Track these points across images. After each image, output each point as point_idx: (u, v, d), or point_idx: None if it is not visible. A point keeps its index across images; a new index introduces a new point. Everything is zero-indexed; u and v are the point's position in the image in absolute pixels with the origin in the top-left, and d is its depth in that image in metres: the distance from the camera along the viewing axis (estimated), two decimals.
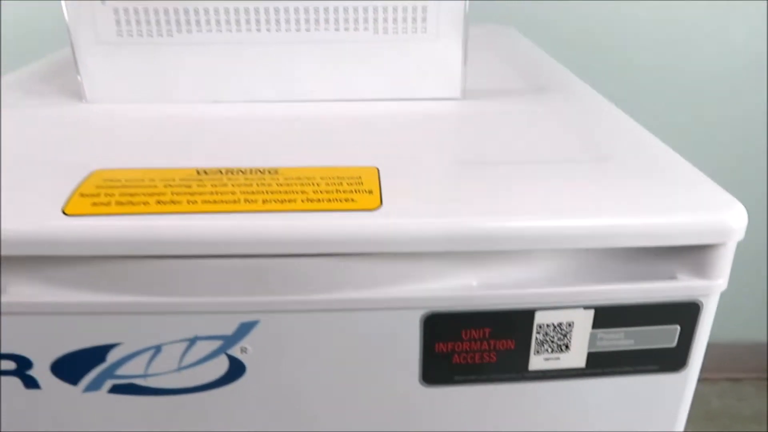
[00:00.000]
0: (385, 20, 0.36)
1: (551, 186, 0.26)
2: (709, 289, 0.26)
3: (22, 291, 0.24)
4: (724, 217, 0.25)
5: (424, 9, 0.36)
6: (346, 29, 0.36)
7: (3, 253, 0.23)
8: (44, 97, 0.38)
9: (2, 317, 0.24)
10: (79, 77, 0.36)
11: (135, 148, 0.30)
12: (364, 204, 0.24)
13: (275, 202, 0.24)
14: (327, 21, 0.36)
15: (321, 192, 0.25)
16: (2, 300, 0.24)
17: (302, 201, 0.24)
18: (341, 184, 0.26)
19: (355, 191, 0.25)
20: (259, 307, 0.25)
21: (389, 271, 0.25)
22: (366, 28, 0.36)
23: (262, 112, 0.36)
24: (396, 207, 0.24)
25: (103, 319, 0.25)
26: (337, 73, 0.37)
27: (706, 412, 0.97)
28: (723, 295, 0.27)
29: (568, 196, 0.26)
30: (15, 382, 0.25)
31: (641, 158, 0.29)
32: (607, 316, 0.26)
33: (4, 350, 0.25)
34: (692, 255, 0.26)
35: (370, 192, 0.25)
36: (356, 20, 0.36)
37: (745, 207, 0.25)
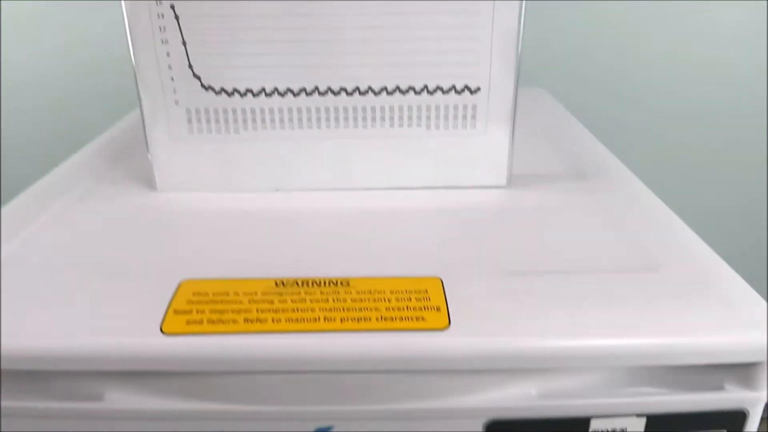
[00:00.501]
0: (437, 117, 0.38)
1: (603, 301, 0.28)
2: (756, 399, 0.28)
3: (119, 399, 0.27)
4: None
5: (474, 107, 0.38)
6: (400, 126, 0.38)
7: (105, 368, 0.25)
8: (117, 185, 0.41)
9: (101, 422, 0.27)
10: (152, 169, 0.39)
11: (211, 246, 0.33)
12: (434, 323, 0.26)
13: (352, 320, 0.26)
14: (383, 119, 0.38)
15: (393, 309, 0.27)
16: (101, 406, 0.26)
17: (377, 320, 0.26)
18: (410, 299, 0.28)
19: (424, 308, 0.27)
20: (333, 415, 0.27)
21: (455, 384, 0.27)
22: (419, 125, 0.39)
23: (321, 203, 0.38)
24: (462, 326, 0.26)
25: (192, 424, 0.27)
26: (391, 164, 0.39)
27: None
28: None
29: (619, 312, 0.27)
30: None
31: (689, 267, 0.31)
32: (658, 423, 0.28)
33: None
34: (740, 368, 0.28)
35: (438, 309, 0.27)
36: (410, 117, 0.38)
37: None
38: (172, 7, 0.35)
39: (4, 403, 0.26)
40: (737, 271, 0.31)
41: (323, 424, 0.27)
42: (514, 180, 0.41)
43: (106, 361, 0.25)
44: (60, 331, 0.26)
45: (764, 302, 0.29)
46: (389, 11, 0.35)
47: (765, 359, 0.27)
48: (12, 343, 0.25)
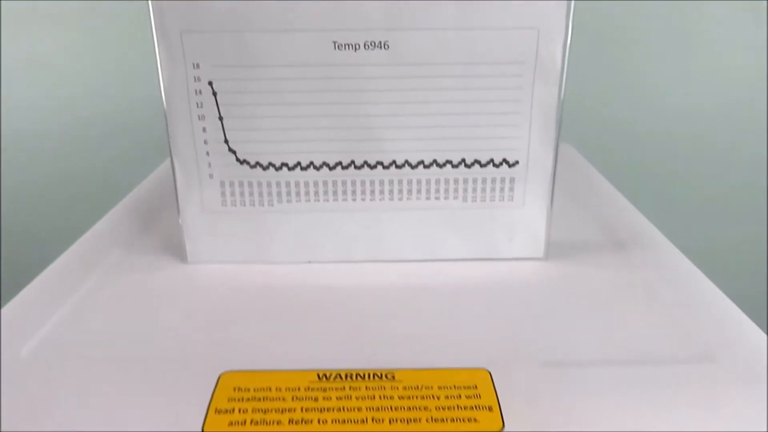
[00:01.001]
0: (474, 190, 0.38)
1: (654, 398, 0.27)
2: None
3: None
4: None
5: (512, 180, 0.38)
6: (437, 198, 0.38)
7: None
8: (147, 256, 0.40)
9: None
10: (183, 241, 0.38)
11: (248, 330, 0.32)
12: (488, 425, 0.25)
13: (401, 422, 0.25)
14: (419, 191, 0.38)
15: (443, 408, 0.26)
16: None
17: (427, 421, 0.25)
18: (460, 397, 0.26)
19: (475, 407, 0.26)
20: None
21: None
22: (455, 197, 0.38)
23: (356, 278, 0.37)
24: (516, 428, 0.25)
25: None
26: (426, 236, 0.39)
27: None
28: None
29: (672, 412, 0.26)
30: None
31: (741, 354, 0.30)
32: None
33: None
34: None
35: (490, 409, 0.26)
36: (446, 190, 0.38)
37: None
38: (210, 83, 0.35)
39: None
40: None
41: None
42: (553, 250, 0.40)
43: None
44: (102, 425, 0.25)
45: None
46: (428, 87, 0.35)
47: None
48: None
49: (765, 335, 0.32)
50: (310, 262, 0.39)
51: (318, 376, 0.28)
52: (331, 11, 0.33)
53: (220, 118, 0.35)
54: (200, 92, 0.35)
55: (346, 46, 0.34)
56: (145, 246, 0.41)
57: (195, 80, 0.35)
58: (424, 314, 0.34)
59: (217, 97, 0.35)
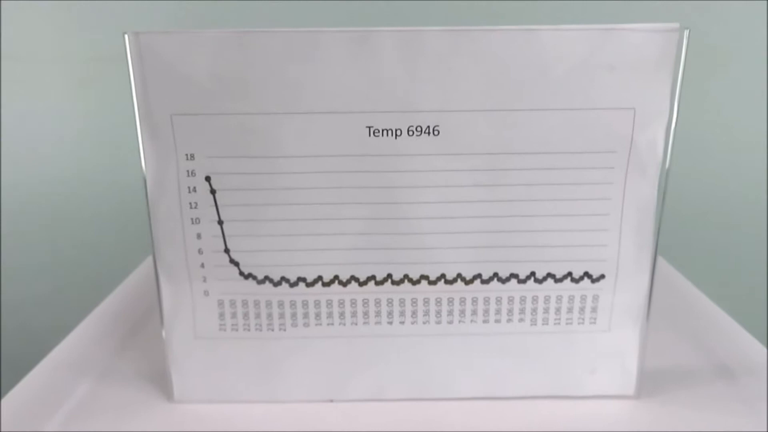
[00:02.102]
0: (546, 311, 0.29)
1: None
2: None
3: None
4: None
5: (595, 298, 0.29)
6: (497, 321, 0.29)
7: None
8: (124, 390, 0.31)
9: None
10: (170, 375, 0.30)
11: None
12: None
13: None
14: (474, 312, 0.29)
15: None
16: None
17: None
18: None
19: None
20: None
21: None
22: (522, 320, 0.29)
23: (389, 423, 0.28)
24: None
25: None
26: (484, 369, 0.30)
27: None
28: None
29: None
30: None
31: None
32: None
33: None
34: None
35: None
36: (510, 311, 0.29)
37: None
38: (208, 179, 0.27)
39: None
40: None
41: None
42: (646, 382, 0.31)
43: None
44: None
45: None
46: (488, 182, 0.27)
47: None
48: None
49: None
50: (332, 401, 0.30)
51: None
52: (366, 88, 0.26)
53: (220, 222, 0.27)
54: (195, 189, 0.27)
55: (384, 132, 0.26)
56: (123, 375, 0.33)
57: (188, 174, 0.27)
58: None
59: (216, 195, 0.27)
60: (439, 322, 0.29)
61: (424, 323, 0.29)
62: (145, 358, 0.34)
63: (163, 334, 0.29)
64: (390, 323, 0.29)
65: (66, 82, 0.64)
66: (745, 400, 0.30)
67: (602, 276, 0.29)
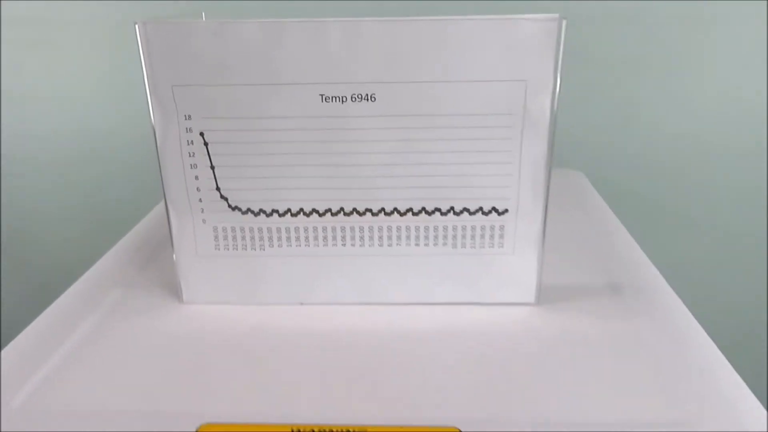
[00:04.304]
0: (464, 237, 0.38)
1: None
2: None
3: None
4: None
5: (502, 228, 0.38)
6: (426, 245, 0.38)
7: None
8: (145, 296, 0.41)
9: None
10: (179, 283, 0.39)
11: (233, 377, 0.33)
12: None
13: None
14: (408, 237, 0.38)
15: None
16: None
17: None
18: None
19: None
20: None
21: None
22: (444, 244, 0.38)
23: (343, 321, 0.38)
24: None
25: None
26: (414, 281, 0.39)
27: None
28: None
29: None
30: None
31: (732, 423, 0.29)
32: None
33: None
34: None
35: None
36: (435, 237, 0.38)
37: None
38: (202, 134, 0.35)
39: None
40: None
41: None
42: (545, 293, 0.40)
43: None
44: None
45: None
46: (415, 137, 0.35)
47: None
48: None
49: (754, 398, 0.31)
50: (302, 303, 0.40)
51: (292, 429, 0.28)
52: (320, 65, 0.34)
53: (212, 167, 0.36)
54: (192, 143, 0.36)
55: (333, 99, 0.35)
56: (144, 285, 0.42)
57: (187, 131, 0.36)
58: (406, 364, 0.34)
59: (209, 147, 0.36)
60: (381, 245, 0.38)
61: (369, 246, 0.38)
62: (162, 274, 0.44)
63: (173, 254, 0.39)
64: (344, 245, 0.38)
65: (94, 46, 0.73)
66: (628, 309, 0.39)
67: (506, 210, 0.37)
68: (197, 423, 0.29)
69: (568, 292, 0.41)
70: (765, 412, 0.30)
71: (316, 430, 0.29)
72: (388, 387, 0.32)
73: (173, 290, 0.41)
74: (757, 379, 0.86)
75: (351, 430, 0.29)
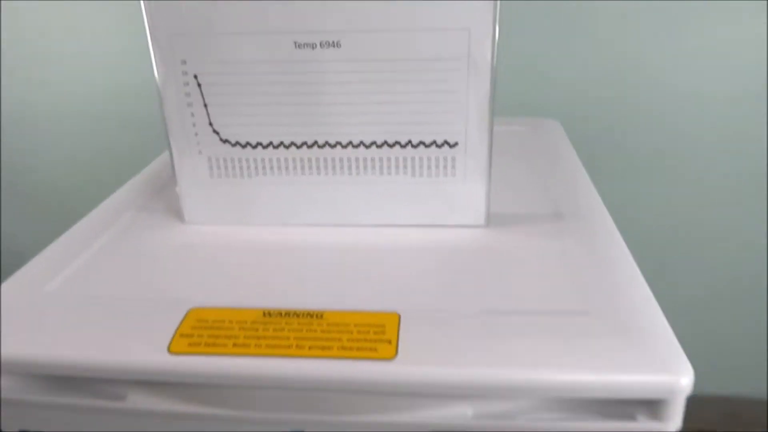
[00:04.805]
0: (420, 167, 0.44)
1: (536, 341, 0.33)
2: (663, 428, 0.32)
3: (138, 400, 0.34)
4: (672, 379, 0.31)
5: (453, 159, 0.44)
6: (388, 173, 0.44)
7: (127, 378, 0.33)
8: (154, 217, 0.48)
9: (123, 417, 0.34)
10: (181, 206, 0.46)
11: (220, 276, 0.40)
12: (383, 354, 0.32)
13: (318, 349, 0.33)
14: (373, 167, 0.44)
15: (353, 340, 0.33)
16: (123, 405, 0.34)
17: (337, 349, 0.33)
18: (369, 332, 0.34)
19: (378, 340, 0.33)
20: (303, 422, 0.33)
21: (402, 404, 0.33)
22: (405, 173, 0.44)
23: (318, 238, 0.45)
24: (407, 357, 0.32)
25: (193, 423, 0.34)
26: (379, 206, 0.45)
27: None
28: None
29: (545, 352, 0.33)
30: None
31: (617, 313, 0.36)
32: None
33: None
34: (650, 403, 0.32)
35: (389, 342, 0.33)
36: (396, 167, 0.44)
37: None
38: (195, 76, 0.42)
39: (44, 399, 0.34)
40: None
41: (296, 427, 0.34)
42: (496, 219, 0.46)
43: (126, 372, 0.33)
44: (94, 348, 0.34)
45: (679, 349, 0.33)
46: (377, 80, 0.41)
47: (671, 397, 0.32)
48: (57, 353, 0.33)
49: (649, 293, 0.37)
50: (285, 224, 0.46)
51: (264, 313, 0.36)
52: (292, 15, 0.40)
53: (205, 105, 0.43)
54: (188, 84, 0.42)
55: (305, 45, 0.41)
56: (153, 210, 0.50)
57: (183, 74, 0.42)
58: (364, 267, 0.41)
59: (202, 88, 0.42)
60: (350, 174, 0.45)
61: (340, 174, 0.45)
62: (167, 201, 0.51)
63: (176, 178, 0.46)
64: (318, 174, 0.45)
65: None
66: (565, 230, 0.45)
67: (456, 143, 0.43)
68: (188, 307, 0.36)
69: (517, 218, 0.47)
70: (654, 301, 0.36)
71: (282, 312, 0.36)
72: (346, 283, 0.39)
73: (178, 214, 0.48)
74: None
75: (311, 313, 0.36)
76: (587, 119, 0.81)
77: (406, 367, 0.32)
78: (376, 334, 0.34)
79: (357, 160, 0.44)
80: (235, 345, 0.33)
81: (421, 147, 0.43)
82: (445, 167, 0.44)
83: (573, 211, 0.48)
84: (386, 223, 0.46)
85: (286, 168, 0.45)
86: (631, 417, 0.33)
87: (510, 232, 0.45)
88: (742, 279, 0.89)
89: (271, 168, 0.45)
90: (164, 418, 0.34)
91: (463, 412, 0.33)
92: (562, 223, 0.47)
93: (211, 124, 0.44)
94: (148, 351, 0.33)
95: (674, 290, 0.91)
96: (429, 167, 0.44)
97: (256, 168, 0.45)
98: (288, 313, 0.36)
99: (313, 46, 0.41)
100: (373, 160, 0.44)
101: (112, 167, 0.89)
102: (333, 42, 0.41)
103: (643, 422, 0.33)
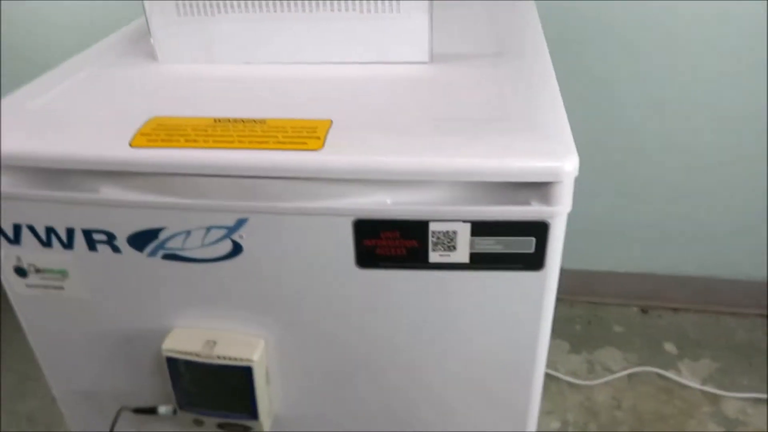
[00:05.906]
0: (368, 3, 0.48)
1: (450, 138, 0.38)
2: (554, 213, 0.38)
3: (109, 192, 0.40)
4: (558, 164, 0.36)
5: None
6: (339, 10, 0.48)
7: (99, 168, 0.39)
8: (131, 57, 0.53)
9: (98, 208, 0.40)
10: (152, 44, 0.51)
11: (182, 99, 0.45)
12: (311, 146, 0.37)
13: (257, 142, 0.38)
14: (325, 5, 0.48)
15: (287, 137, 0.38)
16: (97, 197, 0.40)
17: (273, 142, 0.38)
18: (302, 132, 0.39)
19: (309, 137, 0.38)
20: (248, 209, 0.39)
21: (330, 190, 0.38)
22: (353, 9, 0.48)
23: (275, 72, 0.49)
24: (331, 149, 0.37)
25: (155, 212, 0.40)
26: (329, 42, 0.49)
27: (730, 341, 1.03)
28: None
29: (454, 145, 0.37)
30: (107, 249, 0.42)
31: (529, 116, 0.40)
32: (481, 228, 0.38)
33: (100, 227, 0.41)
34: (541, 188, 0.37)
35: (318, 138, 0.38)
36: (346, 4, 0.48)
37: None
38: None
39: (31, 192, 0.40)
40: None
41: (242, 216, 0.40)
42: (439, 58, 0.50)
43: (96, 163, 0.39)
44: (72, 145, 0.39)
45: (571, 142, 0.37)
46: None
47: (559, 180, 0.36)
48: (43, 147, 0.39)
49: (563, 112, 0.41)
50: (247, 63, 0.51)
51: (214, 120, 0.41)
52: None
53: None
54: None
55: None
56: (135, 55, 0.54)
57: None
58: (312, 93, 0.45)
59: None
60: (304, 11, 0.48)
61: (294, 12, 0.48)
62: (147, 49, 0.55)
63: (146, 21, 0.50)
64: (275, 12, 0.49)
65: None
66: (498, 66, 0.49)
67: None
68: (149, 117, 0.42)
69: (462, 57, 0.51)
70: (563, 114, 0.41)
71: (231, 120, 0.41)
72: (291, 102, 0.44)
73: (153, 57, 0.53)
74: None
75: (255, 120, 0.41)
76: None
77: (330, 156, 0.37)
78: (308, 133, 0.39)
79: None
80: (186, 140, 0.39)
81: None
82: (390, 5, 0.47)
83: (517, 51, 0.52)
84: (336, 60, 0.50)
85: (247, 7, 0.48)
86: (526, 202, 0.38)
87: (450, 67, 0.49)
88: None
89: (233, 7, 0.49)
90: (131, 208, 0.40)
91: (382, 199, 0.39)
92: (502, 59, 0.50)
93: None
94: (113, 146, 0.39)
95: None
96: (377, 5, 0.47)
97: (218, 7, 0.49)
98: (235, 120, 0.41)
99: None
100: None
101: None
102: None
103: (536, 206, 0.38)
